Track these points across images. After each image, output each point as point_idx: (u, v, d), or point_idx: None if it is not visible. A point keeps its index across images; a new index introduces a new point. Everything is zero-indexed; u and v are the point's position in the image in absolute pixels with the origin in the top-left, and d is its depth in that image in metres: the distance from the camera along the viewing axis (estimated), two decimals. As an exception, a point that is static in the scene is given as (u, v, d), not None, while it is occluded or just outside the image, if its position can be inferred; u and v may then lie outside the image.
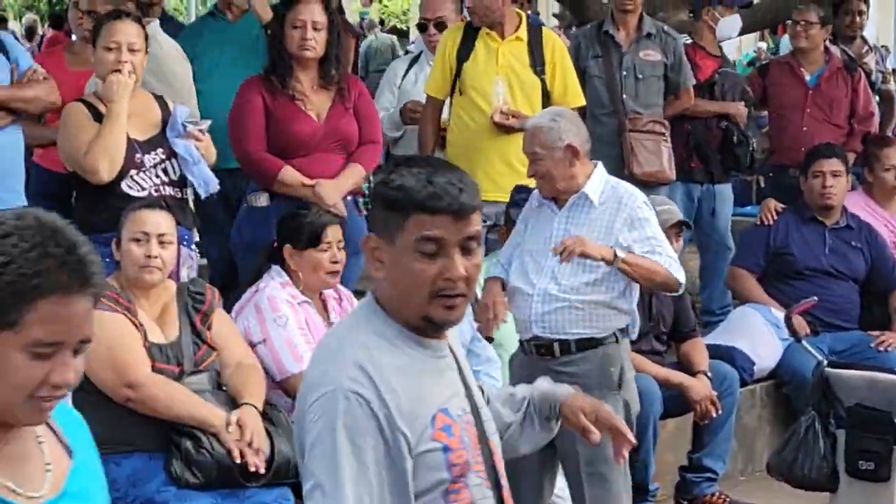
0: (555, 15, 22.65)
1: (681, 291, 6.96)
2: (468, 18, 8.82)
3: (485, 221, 7.06)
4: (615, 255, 6.50)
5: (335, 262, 6.96)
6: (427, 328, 3.64)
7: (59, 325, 2.90)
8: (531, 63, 8.59)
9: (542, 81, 8.61)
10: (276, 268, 6.91)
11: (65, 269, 2.90)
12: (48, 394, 2.93)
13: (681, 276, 6.71)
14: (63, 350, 2.91)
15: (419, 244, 3.52)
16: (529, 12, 12.56)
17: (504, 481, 3.89)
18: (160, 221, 6.36)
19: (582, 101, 8.68)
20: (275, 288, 6.86)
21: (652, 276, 6.56)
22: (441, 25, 8.88)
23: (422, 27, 9.32)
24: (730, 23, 10.44)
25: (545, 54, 8.65)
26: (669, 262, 6.64)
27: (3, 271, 2.87)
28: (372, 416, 3.54)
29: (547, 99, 8.45)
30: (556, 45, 8.76)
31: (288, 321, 6.76)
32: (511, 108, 8.40)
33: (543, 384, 4.24)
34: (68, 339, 2.91)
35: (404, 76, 9.12)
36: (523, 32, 8.59)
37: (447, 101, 8.75)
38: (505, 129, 8.35)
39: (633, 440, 4.15)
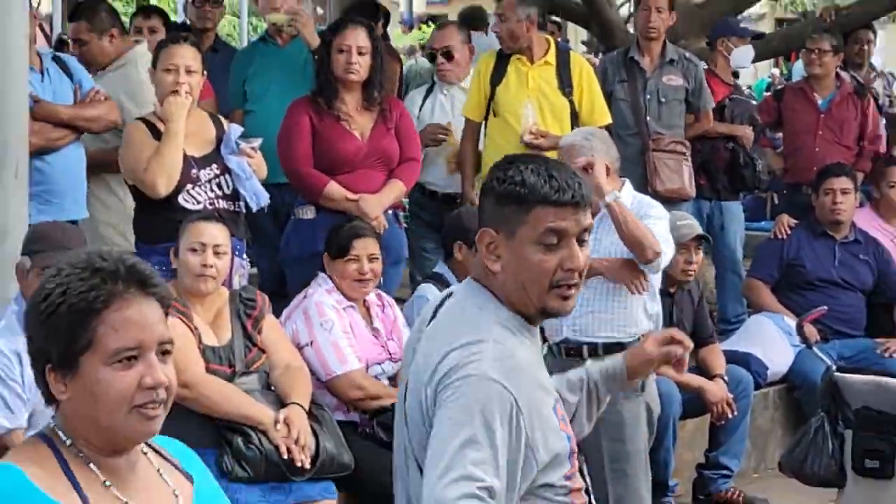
0: (583, 42, 22.65)
1: (658, 270, 6.82)
2: (474, 46, 8.97)
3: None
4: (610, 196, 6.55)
5: (362, 274, 6.95)
6: (538, 318, 3.65)
7: (128, 331, 2.89)
8: (559, 85, 8.58)
9: (571, 102, 8.59)
10: (322, 275, 6.95)
11: (117, 279, 2.92)
12: (146, 399, 2.92)
13: (664, 257, 6.69)
14: (144, 354, 2.91)
15: (543, 236, 3.51)
16: (559, 39, 12.52)
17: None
18: (216, 233, 6.39)
19: (608, 120, 8.64)
20: (322, 294, 6.88)
21: (635, 231, 6.56)
22: (448, 55, 8.92)
23: (431, 57, 9.29)
24: (743, 53, 10.48)
25: (573, 77, 8.64)
26: (661, 239, 6.66)
27: (63, 299, 2.90)
28: (511, 413, 3.50)
29: (575, 118, 8.46)
30: (584, 68, 8.77)
31: (333, 325, 6.77)
32: (540, 128, 8.40)
33: (591, 365, 4.19)
34: (144, 342, 2.91)
35: (421, 106, 8.99)
36: (552, 57, 8.60)
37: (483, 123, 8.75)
38: (535, 149, 8.28)
39: (689, 343, 4.16)
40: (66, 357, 2.94)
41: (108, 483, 2.96)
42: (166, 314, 3.02)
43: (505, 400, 3.52)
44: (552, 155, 7.91)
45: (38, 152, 7.37)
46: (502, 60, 8.64)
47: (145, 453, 3.10)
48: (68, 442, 3.00)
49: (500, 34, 8.76)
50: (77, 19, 8.40)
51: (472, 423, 3.49)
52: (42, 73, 7.77)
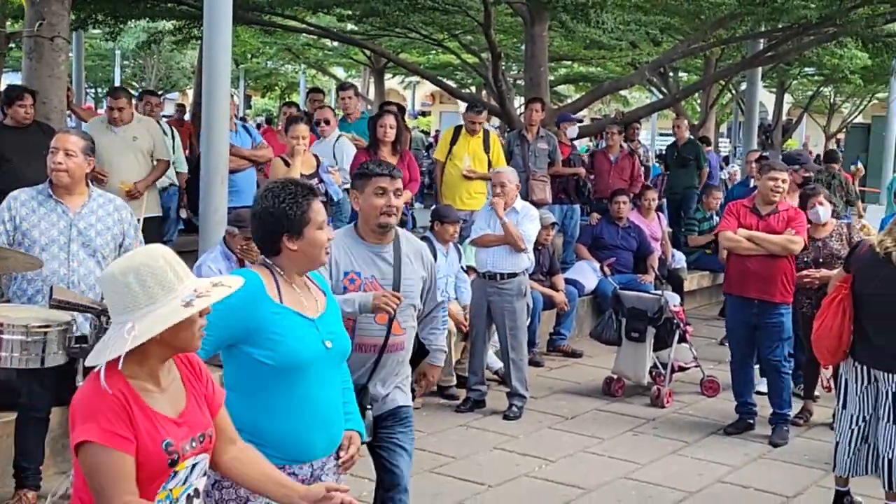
0: (497, 127, 23.65)
1: (527, 249, 7.27)
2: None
3: (464, 221, 8.30)
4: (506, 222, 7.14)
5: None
6: (377, 230, 4.01)
7: (321, 214, 3.29)
8: (483, 148, 9.36)
9: (488, 156, 9.29)
10: None
11: (310, 192, 3.31)
12: (328, 245, 3.31)
13: (525, 243, 7.24)
14: (325, 224, 3.30)
15: (375, 191, 3.97)
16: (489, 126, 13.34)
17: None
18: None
19: (504, 165, 9.11)
20: None
21: (512, 234, 7.12)
22: (328, 122, 8.79)
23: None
24: (572, 131, 11.33)
25: (490, 144, 9.41)
26: (526, 236, 7.25)
27: (293, 202, 3.24)
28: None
29: (489, 164, 9.18)
30: (495, 140, 9.62)
31: None
32: (472, 168, 9.21)
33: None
34: (325, 218, 3.30)
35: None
36: (481, 133, 9.46)
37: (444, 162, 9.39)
38: (468, 179, 9.26)
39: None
40: (297, 227, 3.23)
41: (289, 292, 3.25)
42: None
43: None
44: (478, 182, 9.14)
45: (232, 172, 7.86)
46: (457, 132, 9.49)
47: (308, 282, 3.39)
48: (280, 272, 3.28)
49: (465, 123, 9.43)
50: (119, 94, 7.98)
51: None
52: (236, 131, 8.47)
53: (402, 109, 10.94)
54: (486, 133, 9.59)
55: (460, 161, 9.29)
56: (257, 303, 3.20)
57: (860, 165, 16.68)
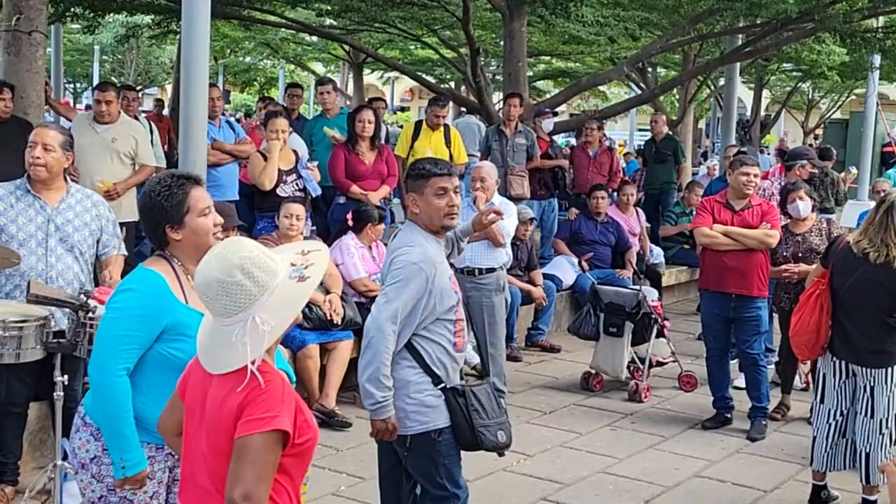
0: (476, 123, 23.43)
1: (505, 245, 7.27)
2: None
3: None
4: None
5: (375, 235, 7.56)
6: (442, 231, 4.07)
7: (202, 201, 3.30)
8: (445, 142, 9.41)
9: (450, 151, 9.32)
10: (350, 232, 7.50)
11: (191, 180, 3.33)
12: (216, 230, 3.33)
13: (505, 238, 7.22)
14: (212, 210, 3.34)
15: (437, 192, 3.97)
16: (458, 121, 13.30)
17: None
18: (298, 209, 6.95)
19: (466, 160, 9.54)
20: (349, 240, 7.47)
21: (493, 232, 6.99)
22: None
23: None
24: (548, 124, 11.36)
25: (451, 139, 9.45)
26: (505, 231, 7.23)
27: (168, 193, 3.27)
28: (425, 280, 3.88)
29: (451, 158, 9.12)
30: (455, 135, 9.59)
31: (353, 255, 7.40)
32: None
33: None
34: (210, 204, 3.32)
35: None
36: (442, 128, 9.48)
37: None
38: None
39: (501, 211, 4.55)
40: (176, 216, 3.27)
41: (192, 287, 3.18)
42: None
43: (421, 273, 3.89)
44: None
45: (213, 166, 7.99)
46: (418, 127, 9.51)
47: None
48: (178, 263, 3.31)
49: (429, 116, 9.53)
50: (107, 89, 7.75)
51: (400, 284, 3.87)
52: (220, 127, 8.48)
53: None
54: (447, 128, 9.60)
55: (422, 155, 8.94)
56: (168, 304, 3.24)
57: (855, 171, 16.67)
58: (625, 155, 19.54)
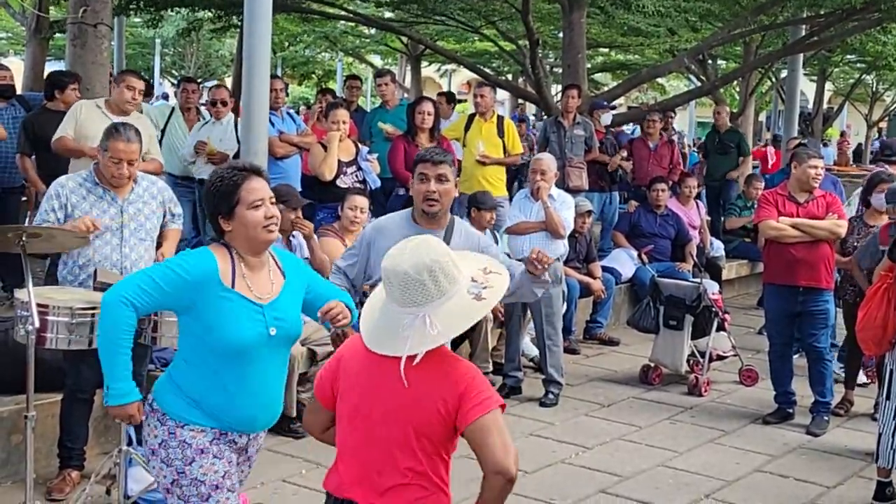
0: (533, 114, 23.46)
1: (564, 236, 7.33)
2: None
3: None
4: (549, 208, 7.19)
5: None
6: (424, 216, 4.22)
7: (254, 193, 3.30)
8: (497, 133, 9.20)
9: (503, 141, 9.18)
10: None
11: (246, 171, 3.35)
12: (268, 222, 3.31)
13: (565, 230, 7.31)
14: (265, 202, 3.31)
15: (418, 176, 4.18)
16: (524, 113, 13.10)
17: None
18: (363, 202, 7.06)
19: (521, 150, 9.49)
20: None
21: (554, 220, 7.21)
22: (224, 103, 8.54)
23: (213, 103, 8.66)
24: (605, 117, 11.23)
25: (505, 129, 9.27)
26: (566, 223, 7.34)
27: (223, 184, 3.32)
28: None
29: (504, 149, 9.15)
30: (510, 126, 9.42)
31: None
32: (485, 153, 8.99)
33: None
34: (264, 197, 3.31)
35: (199, 131, 8.51)
36: (495, 118, 9.31)
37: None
38: (482, 164, 9.01)
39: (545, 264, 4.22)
40: (227, 207, 3.31)
41: (244, 275, 3.33)
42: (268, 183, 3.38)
43: (363, 237, 4.28)
44: (494, 168, 8.96)
45: (282, 158, 8.18)
46: (471, 119, 9.37)
47: (271, 265, 3.45)
48: (236, 251, 3.35)
49: (478, 104, 9.34)
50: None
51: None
52: (283, 119, 8.52)
53: (452, 98, 11.01)
54: (500, 118, 9.54)
55: (474, 147, 9.21)
56: (206, 285, 3.28)
57: None
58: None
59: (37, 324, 4.34)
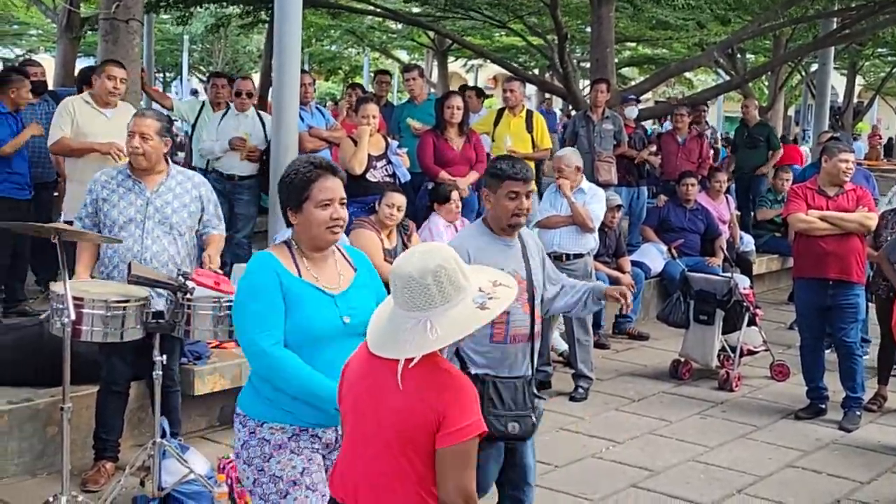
0: (560, 109, 23.52)
1: (594, 230, 7.42)
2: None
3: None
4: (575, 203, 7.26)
5: (456, 209, 7.76)
6: (507, 230, 4.16)
7: (324, 192, 3.31)
8: (526, 128, 9.22)
9: (532, 136, 9.17)
10: (434, 213, 7.80)
11: (321, 169, 3.35)
12: (333, 224, 3.33)
13: (594, 223, 7.42)
14: (333, 203, 3.33)
15: (508, 195, 4.10)
16: (548, 108, 13.10)
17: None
18: (401, 200, 7.12)
19: (550, 145, 9.44)
20: (436, 219, 7.75)
21: (580, 213, 7.31)
22: (250, 94, 8.42)
23: (237, 94, 8.46)
24: (631, 110, 11.32)
25: (534, 124, 9.26)
26: (594, 216, 7.43)
27: (296, 177, 3.34)
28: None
29: (533, 143, 9.13)
30: (539, 120, 9.41)
31: (443, 234, 7.57)
32: (512, 149, 8.87)
33: (590, 285, 4.53)
34: (334, 197, 3.33)
35: (219, 124, 8.32)
36: (523, 113, 9.31)
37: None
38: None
39: (629, 302, 4.36)
40: (296, 201, 3.34)
41: (308, 268, 3.35)
42: (344, 184, 3.36)
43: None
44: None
45: (310, 152, 7.95)
46: (500, 114, 9.39)
47: (338, 257, 3.46)
48: (296, 246, 3.39)
49: (508, 99, 9.36)
50: None
51: None
52: (312, 113, 8.58)
53: (481, 93, 11.06)
54: (529, 113, 9.52)
55: (502, 141, 9.21)
56: (279, 277, 3.29)
57: None
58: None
59: (73, 316, 4.38)
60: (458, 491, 2.64)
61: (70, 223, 5.38)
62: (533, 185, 4.08)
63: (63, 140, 6.64)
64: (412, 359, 2.64)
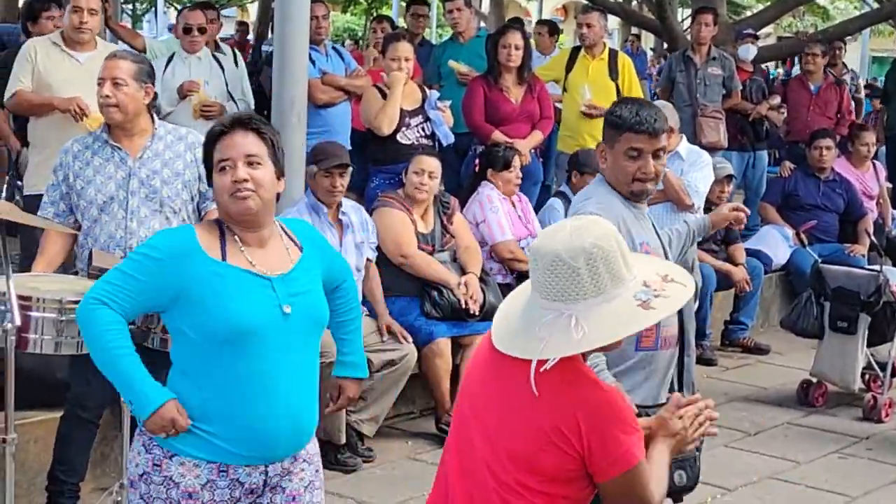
0: (651, 49, 23.41)
1: (694, 208, 7.48)
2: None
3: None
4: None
5: (517, 179, 7.92)
6: (631, 197, 4.07)
7: (224, 152, 3.40)
8: (609, 74, 9.35)
9: (616, 85, 9.30)
10: (486, 182, 7.83)
11: (227, 126, 3.43)
12: (235, 189, 3.38)
13: (695, 199, 7.50)
14: (235, 162, 3.38)
15: (627, 151, 3.99)
16: (638, 48, 12.94)
17: None
18: (434, 165, 7.13)
19: (640, 96, 9.46)
20: (490, 190, 7.78)
21: (673, 185, 7.43)
22: (202, 30, 8.38)
23: (186, 29, 8.39)
24: (745, 49, 11.43)
25: (619, 69, 9.39)
26: (693, 189, 7.49)
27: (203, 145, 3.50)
28: None
29: (619, 94, 9.11)
30: (626, 63, 9.57)
31: (498, 209, 7.67)
32: (593, 103, 9.05)
33: (688, 218, 4.77)
34: (234, 156, 3.38)
35: (164, 71, 8.10)
36: (605, 55, 9.44)
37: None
38: (589, 118, 9.05)
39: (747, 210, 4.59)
40: (209, 171, 3.51)
41: (242, 249, 3.43)
42: (267, 140, 3.43)
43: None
44: (602, 121, 9.27)
45: (323, 106, 8.23)
46: (574, 55, 9.52)
47: (282, 235, 3.54)
48: (226, 224, 3.47)
49: (585, 36, 9.48)
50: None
51: None
52: (326, 55, 8.60)
53: (554, 29, 11.27)
54: (613, 54, 9.56)
55: (578, 93, 9.28)
56: (187, 260, 3.37)
57: None
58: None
59: (18, 321, 4.31)
60: None
61: (31, 199, 5.37)
62: (664, 141, 4.04)
63: (20, 93, 6.70)
64: (545, 361, 2.68)
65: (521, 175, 7.99)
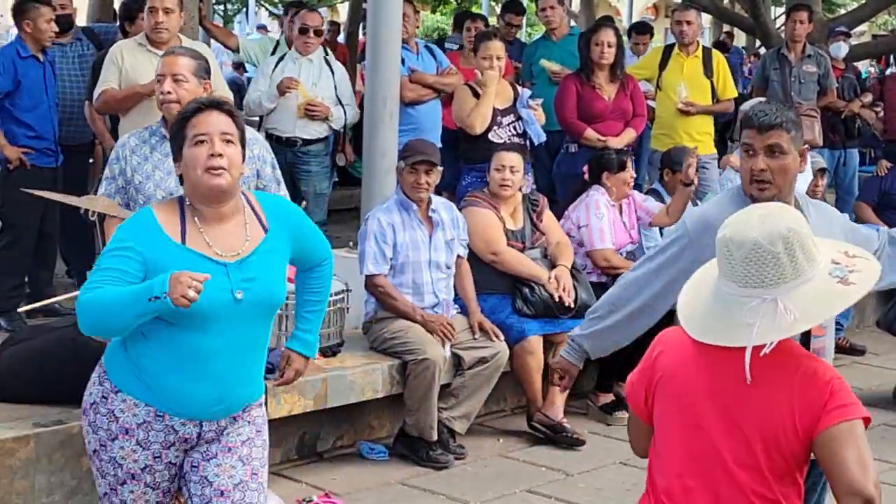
0: (743, 47, 23.14)
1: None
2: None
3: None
4: None
5: (629, 182, 7.75)
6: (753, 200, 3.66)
7: (198, 127, 3.46)
8: (704, 72, 9.33)
9: (711, 83, 9.29)
10: (597, 185, 7.67)
11: (203, 105, 3.53)
12: (210, 164, 3.43)
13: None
14: (212, 138, 3.44)
15: (743, 148, 3.79)
16: (733, 46, 12.84)
17: None
18: (514, 159, 7.11)
19: (735, 94, 9.53)
20: (600, 195, 7.62)
21: None
22: (318, 32, 8.44)
23: (302, 30, 8.35)
24: (837, 47, 11.31)
25: (713, 66, 9.36)
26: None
27: (175, 122, 3.58)
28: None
29: (713, 92, 9.23)
30: (720, 61, 9.56)
31: (604, 216, 7.56)
32: (689, 101, 9.08)
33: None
34: (210, 131, 3.45)
35: (274, 69, 8.26)
36: (699, 52, 9.43)
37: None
38: (685, 114, 9.10)
39: None
40: (178, 146, 3.54)
41: (201, 229, 3.48)
42: (238, 124, 3.53)
43: (683, 237, 3.89)
44: (701, 119, 9.07)
45: (412, 103, 8.28)
46: (667, 53, 9.47)
47: (248, 214, 3.59)
48: (188, 202, 3.53)
49: (678, 33, 9.46)
50: None
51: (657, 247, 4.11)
52: (417, 53, 8.64)
53: (646, 29, 11.38)
54: (707, 51, 9.50)
55: (674, 91, 9.21)
56: (149, 238, 3.46)
57: None
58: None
59: None
60: (858, 474, 2.73)
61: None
62: (777, 137, 3.69)
63: (106, 92, 6.79)
64: (761, 347, 2.73)
65: (634, 175, 7.95)
